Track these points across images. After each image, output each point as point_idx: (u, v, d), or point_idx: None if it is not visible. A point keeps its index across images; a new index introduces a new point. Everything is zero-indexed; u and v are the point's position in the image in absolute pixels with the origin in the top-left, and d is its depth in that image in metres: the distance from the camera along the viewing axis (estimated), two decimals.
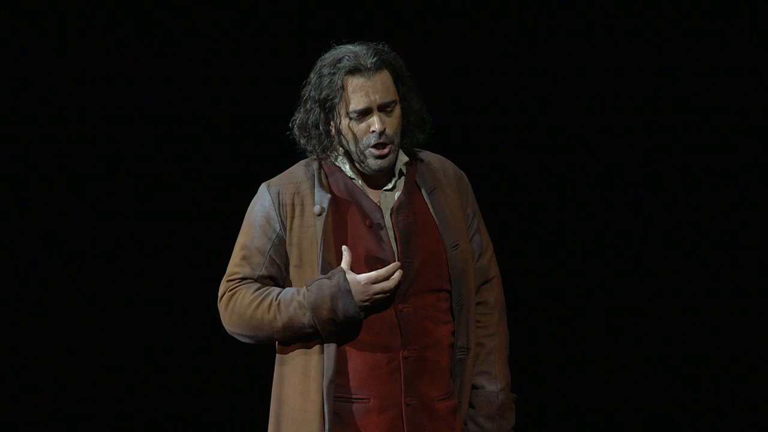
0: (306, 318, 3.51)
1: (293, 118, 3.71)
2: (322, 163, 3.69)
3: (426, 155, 3.77)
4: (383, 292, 3.49)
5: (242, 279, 3.63)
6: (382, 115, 3.59)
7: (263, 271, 3.63)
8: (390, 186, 3.68)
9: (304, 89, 3.68)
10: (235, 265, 3.65)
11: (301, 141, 3.69)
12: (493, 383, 3.69)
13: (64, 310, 5.09)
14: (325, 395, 3.52)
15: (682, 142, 5.14)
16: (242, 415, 5.07)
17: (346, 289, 3.49)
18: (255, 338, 3.61)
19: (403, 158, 3.70)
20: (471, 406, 3.68)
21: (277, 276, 3.64)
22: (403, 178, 3.70)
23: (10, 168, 5.04)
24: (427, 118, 3.72)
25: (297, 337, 3.55)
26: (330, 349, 3.53)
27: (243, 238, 3.66)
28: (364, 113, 3.59)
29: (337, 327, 3.51)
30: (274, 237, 3.63)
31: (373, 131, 3.58)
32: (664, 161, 5.15)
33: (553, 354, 5.18)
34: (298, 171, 3.70)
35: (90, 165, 5.10)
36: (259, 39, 5.11)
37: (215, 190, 5.11)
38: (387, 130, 3.59)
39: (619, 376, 5.17)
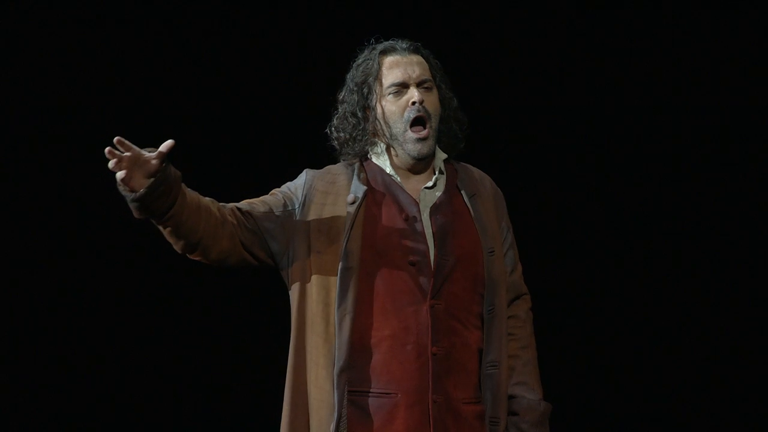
0: None
1: (331, 122, 3.77)
2: (363, 162, 3.71)
3: (466, 165, 3.80)
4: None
5: (235, 205, 3.61)
6: (420, 89, 3.65)
7: (254, 212, 3.59)
8: (430, 184, 3.69)
9: (340, 92, 3.76)
10: None
11: (338, 140, 3.73)
12: (532, 393, 3.67)
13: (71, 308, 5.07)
14: (335, 384, 3.48)
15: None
16: (251, 404, 5.04)
17: None
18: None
19: (441, 155, 3.73)
20: (512, 413, 3.65)
21: (260, 230, 3.59)
22: (443, 178, 3.71)
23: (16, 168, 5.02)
24: (463, 117, 3.77)
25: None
26: (342, 338, 3.49)
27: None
28: (402, 86, 3.65)
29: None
30: (288, 208, 3.63)
31: (413, 102, 3.62)
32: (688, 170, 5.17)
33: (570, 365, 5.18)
34: (338, 167, 3.74)
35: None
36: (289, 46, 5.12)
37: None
38: (426, 105, 3.64)
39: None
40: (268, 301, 4.66)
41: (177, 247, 3.52)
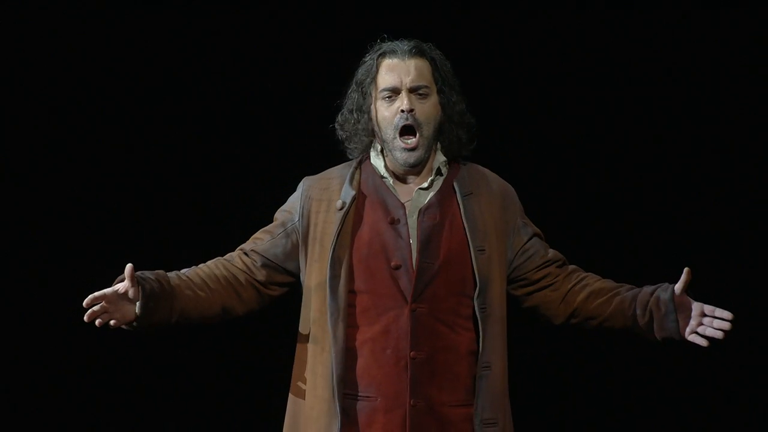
0: None
1: (337, 116, 3.79)
2: (362, 162, 3.73)
3: (471, 165, 3.77)
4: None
5: (240, 250, 3.74)
6: (412, 97, 3.63)
7: (258, 248, 3.70)
8: (425, 185, 3.68)
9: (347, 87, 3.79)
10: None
11: (342, 135, 3.76)
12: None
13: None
14: (335, 392, 3.52)
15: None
16: (257, 413, 4.99)
17: None
18: None
19: (441, 158, 3.71)
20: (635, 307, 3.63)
21: (271, 260, 3.69)
22: (440, 179, 3.69)
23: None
24: (469, 120, 3.73)
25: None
26: (338, 346, 3.54)
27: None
28: (393, 92, 3.64)
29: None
30: (289, 225, 3.70)
31: (402, 111, 3.60)
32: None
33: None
34: (336, 169, 3.77)
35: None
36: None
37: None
38: (417, 114, 3.62)
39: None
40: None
41: (205, 324, 3.69)
